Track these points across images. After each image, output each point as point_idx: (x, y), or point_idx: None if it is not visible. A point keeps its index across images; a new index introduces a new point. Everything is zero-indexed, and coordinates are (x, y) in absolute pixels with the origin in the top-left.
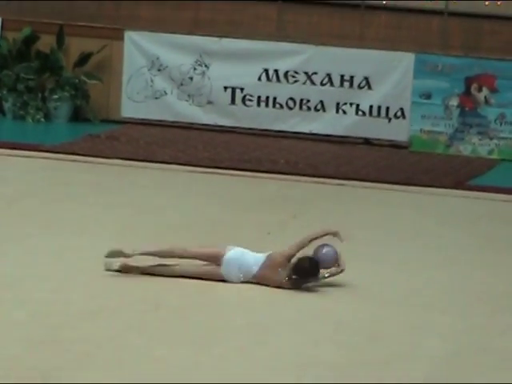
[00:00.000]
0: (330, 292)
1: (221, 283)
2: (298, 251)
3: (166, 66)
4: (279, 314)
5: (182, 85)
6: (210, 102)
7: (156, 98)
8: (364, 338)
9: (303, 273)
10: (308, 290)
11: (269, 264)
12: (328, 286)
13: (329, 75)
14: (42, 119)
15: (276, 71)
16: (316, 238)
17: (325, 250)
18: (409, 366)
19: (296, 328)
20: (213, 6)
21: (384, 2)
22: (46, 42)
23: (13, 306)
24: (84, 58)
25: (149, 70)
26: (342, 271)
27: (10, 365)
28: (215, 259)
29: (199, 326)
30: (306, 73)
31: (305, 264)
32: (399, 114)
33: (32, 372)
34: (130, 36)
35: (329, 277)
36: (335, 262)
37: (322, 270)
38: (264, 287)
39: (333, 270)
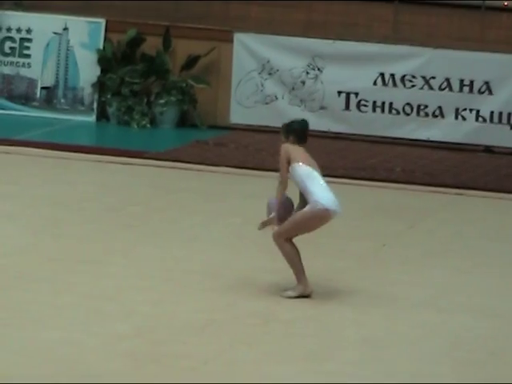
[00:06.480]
0: (446, 307)
1: (333, 298)
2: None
3: (277, 70)
4: (394, 329)
5: (293, 89)
6: (322, 108)
7: (266, 103)
8: (483, 354)
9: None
10: (424, 304)
11: None
12: (444, 299)
13: (447, 79)
14: (148, 125)
15: (392, 75)
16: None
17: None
18: None
19: (412, 343)
20: (326, 7)
21: (505, 3)
22: (151, 44)
23: (117, 319)
24: (191, 61)
25: (259, 73)
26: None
27: (114, 380)
28: None
29: (310, 340)
30: (423, 77)
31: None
32: None
33: None
34: (240, 38)
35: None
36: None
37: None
38: (379, 303)
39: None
